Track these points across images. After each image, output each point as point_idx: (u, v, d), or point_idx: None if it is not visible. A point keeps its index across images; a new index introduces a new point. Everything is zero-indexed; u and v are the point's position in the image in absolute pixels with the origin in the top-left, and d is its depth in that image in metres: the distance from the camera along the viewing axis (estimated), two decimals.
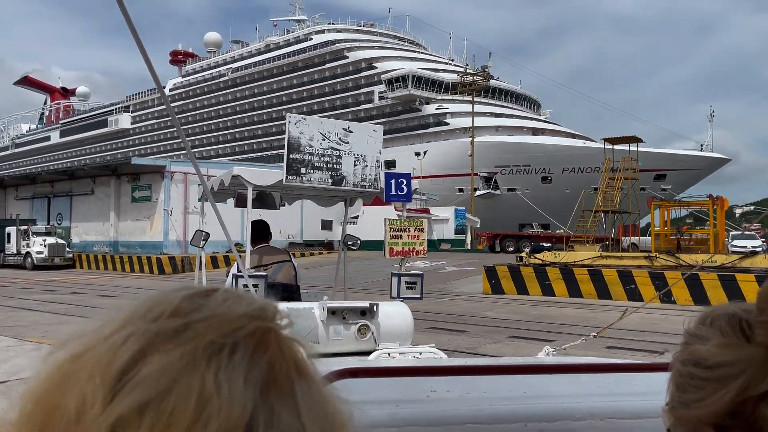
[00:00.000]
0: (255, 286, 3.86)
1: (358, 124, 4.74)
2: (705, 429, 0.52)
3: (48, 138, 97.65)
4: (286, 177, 4.45)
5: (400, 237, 5.13)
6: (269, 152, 66.47)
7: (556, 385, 1.36)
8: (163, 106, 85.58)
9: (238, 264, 4.07)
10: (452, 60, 71.13)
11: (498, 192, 57.90)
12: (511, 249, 31.18)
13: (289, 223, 33.87)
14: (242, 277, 3.65)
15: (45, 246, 27.28)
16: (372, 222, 37.92)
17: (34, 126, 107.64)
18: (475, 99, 63.10)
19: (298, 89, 71.81)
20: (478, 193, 55.22)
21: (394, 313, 4.56)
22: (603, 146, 57.94)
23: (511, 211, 53.99)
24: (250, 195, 4.55)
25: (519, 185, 57.09)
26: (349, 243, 5.62)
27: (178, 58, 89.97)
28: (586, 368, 1.47)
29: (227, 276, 5.02)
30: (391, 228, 5.11)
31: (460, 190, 57.91)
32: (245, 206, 4.63)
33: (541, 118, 66.70)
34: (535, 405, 1.22)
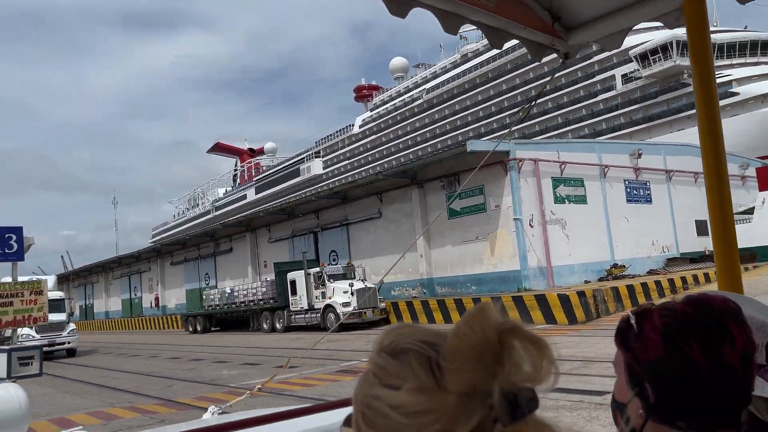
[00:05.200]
0: None
1: None
2: None
3: (245, 196, 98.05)
4: None
5: (11, 304, 4.39)
6: None
7: None
8: (354, 145, 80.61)
9: None
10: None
11: None
12: None
13: (660, 230, 22.63)
14: None
15: (352, 293, 18.50)
16: None
17: (229, 188, 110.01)
18: (748, 59, 49.31)
19: (510, 94, 61.89)
20: None
21: (3, 400, 3.34)
22: None
23: None
24: None
25: None
26: None
27: (363, 93, 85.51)
28: (248, 422, 1.60)
29: None
30: None
31: None
32: None
33: None
34: None
